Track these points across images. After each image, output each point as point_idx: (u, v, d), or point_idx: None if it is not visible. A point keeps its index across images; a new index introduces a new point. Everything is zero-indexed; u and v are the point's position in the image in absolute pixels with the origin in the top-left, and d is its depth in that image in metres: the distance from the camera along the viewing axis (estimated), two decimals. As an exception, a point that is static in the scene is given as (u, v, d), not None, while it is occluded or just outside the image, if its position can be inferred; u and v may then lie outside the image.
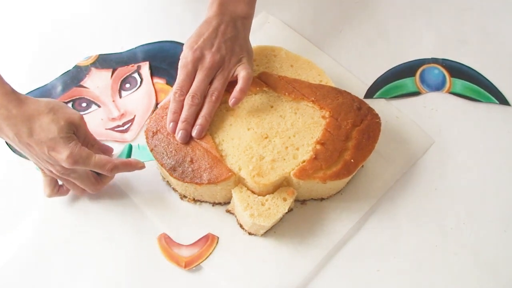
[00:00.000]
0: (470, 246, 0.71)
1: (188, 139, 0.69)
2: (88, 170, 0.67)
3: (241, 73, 0.71)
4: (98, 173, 0.69)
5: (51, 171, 0.66)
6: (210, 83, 0.71)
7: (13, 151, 0.76)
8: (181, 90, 0.70)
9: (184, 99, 0.70)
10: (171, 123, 0.70)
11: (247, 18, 0.75)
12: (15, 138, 0.61)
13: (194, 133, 0.69)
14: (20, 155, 0.76)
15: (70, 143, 0.62)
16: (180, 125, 0.69)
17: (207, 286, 0.68)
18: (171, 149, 0.69)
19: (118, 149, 0.73)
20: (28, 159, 0.75)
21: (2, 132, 0.62)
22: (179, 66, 0.71)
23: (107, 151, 0.72)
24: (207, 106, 0.70)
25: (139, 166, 0.69)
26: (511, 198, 0.75)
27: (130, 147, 0.72)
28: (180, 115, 0.70)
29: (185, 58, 0.71)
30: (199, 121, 0.69)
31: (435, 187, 0.76)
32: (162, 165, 0.68)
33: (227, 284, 0.68)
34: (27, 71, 0.84)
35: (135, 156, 0.71)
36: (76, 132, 0.65)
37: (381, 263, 0.70)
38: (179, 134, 0.69)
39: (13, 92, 0.62)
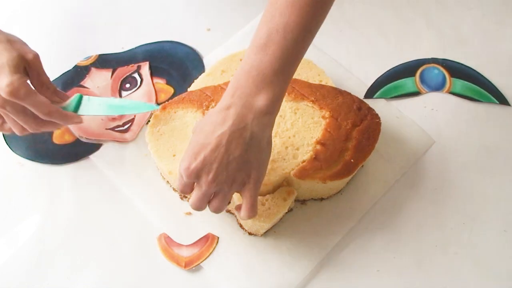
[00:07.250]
0: (470, 246, 0.71)
1: None
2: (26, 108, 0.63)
3: (244, 199, 0.61)
4: None
5: None
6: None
7: (13, 151, 0.76)
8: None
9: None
10: None
11: (267, 115, 0.58)
12: None
13: None
14: (20, 155, 0.76)
15: (15, 74, 0.61)
16: None
17: (207, 286, 0.68)
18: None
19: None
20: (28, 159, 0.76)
21: None
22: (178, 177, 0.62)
23: (62, 97, 0.69)
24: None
25: (75, 120, 0.67)
26: (511, 198, 0.75)
27: (80, 98, 0.69)
28: None
29: (180, 176, 0.60)
30: None
31: (435, 187, 0.76)
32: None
33: (227, 284, 0.68)
34: (27, 71, 0.84)
35: (84, 107, 0.69)
36: (29, 70, 0.64)
37: (381, 263, 0.70)
38: None
39: None
